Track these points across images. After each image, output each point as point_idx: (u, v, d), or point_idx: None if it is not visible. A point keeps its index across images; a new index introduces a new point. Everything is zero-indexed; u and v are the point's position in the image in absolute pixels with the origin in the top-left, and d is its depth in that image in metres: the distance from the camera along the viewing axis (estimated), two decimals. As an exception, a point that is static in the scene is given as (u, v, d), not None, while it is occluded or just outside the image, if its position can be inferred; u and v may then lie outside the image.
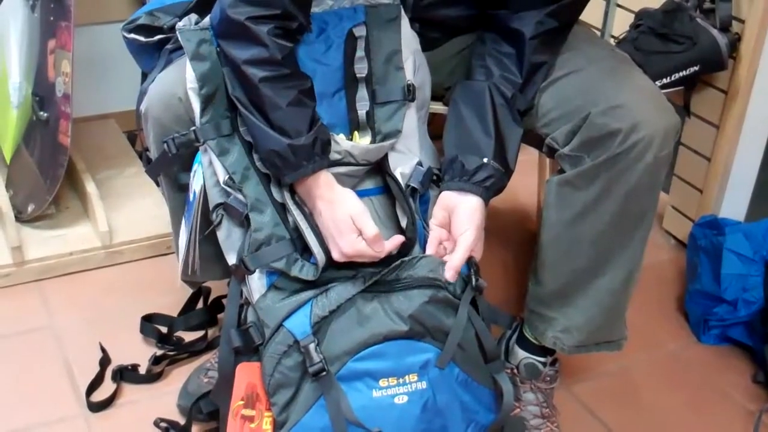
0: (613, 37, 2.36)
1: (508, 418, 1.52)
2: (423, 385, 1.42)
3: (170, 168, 1.59)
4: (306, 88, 1.42)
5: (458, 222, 1.46)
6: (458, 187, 1.47)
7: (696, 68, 2.04)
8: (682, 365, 1.97)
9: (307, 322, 1.41)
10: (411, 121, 1.54)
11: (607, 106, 1.45)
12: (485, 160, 1.46)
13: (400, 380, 1.41)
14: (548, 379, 1.71)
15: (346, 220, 1.39)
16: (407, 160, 1.53)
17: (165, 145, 1.49)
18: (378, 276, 1.43)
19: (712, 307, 1.98)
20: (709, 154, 2.20)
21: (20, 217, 2.18)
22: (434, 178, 1.56)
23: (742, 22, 2.05)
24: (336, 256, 1.41)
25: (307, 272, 1.43)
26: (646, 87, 1.52)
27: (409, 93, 1.52)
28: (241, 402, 1.45)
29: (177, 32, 1.47)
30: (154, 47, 1.67)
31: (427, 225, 1.51)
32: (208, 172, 1.48)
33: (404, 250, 1.46)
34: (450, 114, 1.55)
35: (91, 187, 2.21)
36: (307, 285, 1.44)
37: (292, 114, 1.39)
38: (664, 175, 1.51)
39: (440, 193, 1.50)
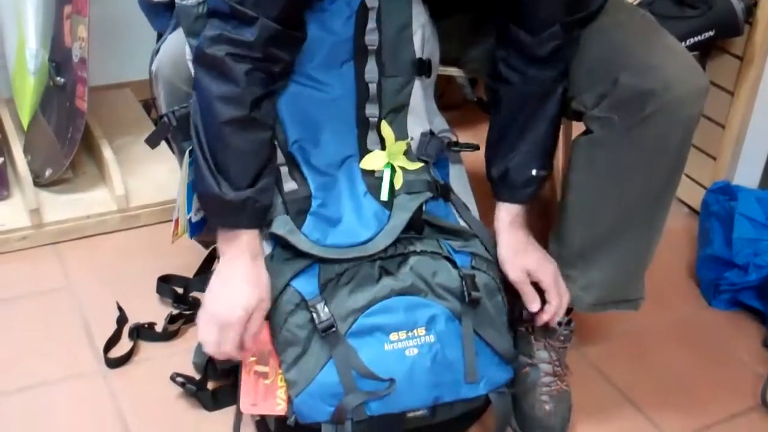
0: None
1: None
2: (431, 338, 1.44)
3: (175, 138, 1.61)
4: (265, 141, 1.42)
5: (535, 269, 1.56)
6: (512, 199, 1.57)
7: (711, 33, 2.04)
8: (693, 329, 1.99)
9: (315, 283, 1.43)
10: (418, 95, 1.55)
11: (638, 67, 1.46)
12: (533, 172, 1.54)
13: (410, 333, 1.44)
14: (562, 338, 1.72)
15: (240, 309, 1.39)
16: (414, 131, 1.55)
17: (165, 117, 1.51)
18: (386, 245, 1.46)
19: (723, 272, 2.00)
20: (723, 122, 2.21)
21: (38, 182, 2.20)
22: (447, 143, 1.59)
23: (759, -13, 2.05)
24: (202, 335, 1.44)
25: (298, 239, 1.45)
26: (675, 48, 1.53)
27: (427, 69, 1.54)
28: (254, 359, 1.47)
29: (176, 7, 1.48)
30: (165, 7, 1.68)
31: (447, 184, 1.56)
32: None
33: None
34: (495, 120, 1.59)
35: (107, 152, 2.23)
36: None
37: (239, 162, 1.40)
38: (693, 135, 1.52)
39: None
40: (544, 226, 1.70)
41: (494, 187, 1.60)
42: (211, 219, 1.40)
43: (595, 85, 1.50)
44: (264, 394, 1.45)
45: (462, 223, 1.57)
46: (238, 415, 1.53)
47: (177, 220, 1.60)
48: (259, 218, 1.43)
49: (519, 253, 1.56)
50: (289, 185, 1.49)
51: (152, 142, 1.61)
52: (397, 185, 1.51)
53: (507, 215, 1.58)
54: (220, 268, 1.45)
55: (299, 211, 1.47)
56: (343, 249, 1.46)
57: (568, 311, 1.71)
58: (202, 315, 1.44)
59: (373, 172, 1.52)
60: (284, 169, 1.49)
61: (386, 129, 1.52)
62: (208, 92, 1.39)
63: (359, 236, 1.47)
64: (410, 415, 1.45)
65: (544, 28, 1.47)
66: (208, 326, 1.41)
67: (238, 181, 1.39)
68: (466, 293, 1.46)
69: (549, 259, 1.59)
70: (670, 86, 1.44)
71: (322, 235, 1.46)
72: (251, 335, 1.41)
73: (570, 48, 1.51)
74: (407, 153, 1.53)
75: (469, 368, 1.47)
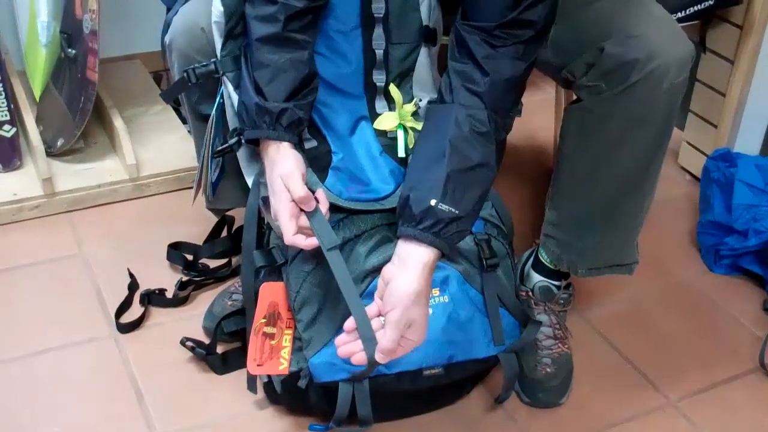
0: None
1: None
2: (445, 299, 1.49)
3: (190, 95, 1.64)
4: (301, 59, 1.45)
5: (389, 291, 1.33)
6: (409, 234, 1.35)
7: (711, 2, 2.05)
8: (693, 294, 2.01)
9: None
10: (423, 62, 1.57)
11: (622, 37, 1.47)
12: (432, 202, 1.34)
13: None
14: (561, 302, 1.76)
15: (276, 180, 1.40)
16: (420, 97, 1.58)
17: (185, 74, 1.54)
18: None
19: (723, 237, 2.02)
20: (723, 90, 2.22)
21: (50, 152, 2.23)
22: None
23: (759, -45, 2.06)
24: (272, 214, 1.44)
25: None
26: (659, 16, 1.54)
27: (433, 37, 1.55)
28: (264, 320, 1.51)
29: None
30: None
31: None
32: (227, 102, 1.54)
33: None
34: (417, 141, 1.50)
35: (118, 123, 2.26)
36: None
37: (273, 77, 1.42)
38: (680, 101, 1.54)
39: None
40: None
41: (398, 217, 1.40)
42: (245, 131, 1.44)
43: (582, 54, 1.52)
44: (269, 354, 1.49)
45: None
46: (252, 375, 1.57)
47: (200, 181, 1.65)
48: (290, 129, 1.43)
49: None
50: (310, 143, 1.53)
51: (167, 96, 1.65)
52: (411, 144, 1.54)
53: (418, 255, 1.35)
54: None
55: (321, 166, 1.52)
56: (363, 203, 1.50)
57: (566, 276, 1.75)
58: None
59: (385, 132, 1.56)
60: None
61: (395, 91, 1.55)
62: (248, 15, 1.45)
63: (378, 192, 1.52)
64: (426, 372, 1.50)
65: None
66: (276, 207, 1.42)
67: (274, 95, 1.42)
68: (483, 259, 1.50)
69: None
70: (653, 56, 1.45)
71: (344, 188, 1.51)
72: (299, 200, 1.37)
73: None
74: (416, 115, 1.57)
75: (496, 334, 1.53)
